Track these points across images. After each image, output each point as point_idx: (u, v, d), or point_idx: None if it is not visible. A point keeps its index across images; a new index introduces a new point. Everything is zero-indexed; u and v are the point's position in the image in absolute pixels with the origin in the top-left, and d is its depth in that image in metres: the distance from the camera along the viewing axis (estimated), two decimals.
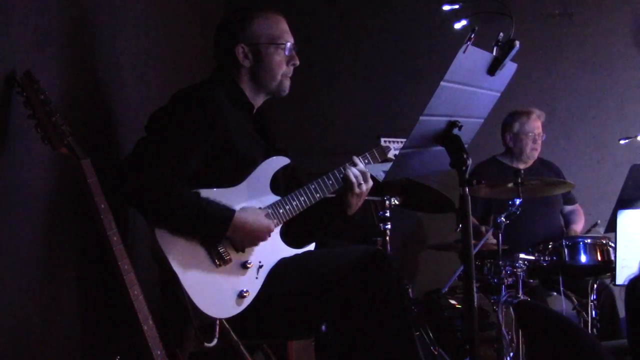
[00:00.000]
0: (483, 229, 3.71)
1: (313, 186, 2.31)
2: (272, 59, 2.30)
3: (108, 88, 2.37)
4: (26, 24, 1.79)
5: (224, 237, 2.11)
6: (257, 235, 2.17)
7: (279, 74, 2.32)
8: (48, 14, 1.92)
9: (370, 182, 2.35)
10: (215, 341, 2.09)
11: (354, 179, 2.31)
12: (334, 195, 2.38)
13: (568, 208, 4.16)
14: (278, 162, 2.32)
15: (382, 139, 2.47)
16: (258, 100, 2.38)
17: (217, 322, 2.12)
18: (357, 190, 2.32)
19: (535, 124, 3.98)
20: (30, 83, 1.67)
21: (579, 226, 4.07)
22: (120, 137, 2.44)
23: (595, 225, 3.80)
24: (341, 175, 2.33)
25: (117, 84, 2.44)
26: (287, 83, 2.35)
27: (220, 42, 2.35)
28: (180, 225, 2.05)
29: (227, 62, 2.33)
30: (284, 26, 2.35)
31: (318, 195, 2.31)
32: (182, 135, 2.10)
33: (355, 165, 2.34)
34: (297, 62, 2.35)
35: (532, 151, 4.00)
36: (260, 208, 2.23)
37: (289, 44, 2.33)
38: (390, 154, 2.45)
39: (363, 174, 2.32)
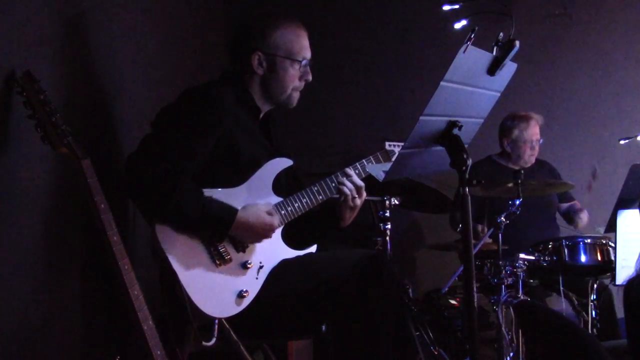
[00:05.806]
0: (479, 227, 3.69)
1: (315, 188, 2.31)
2: (285, 73, 2.30)
3: (108, 88, 2.37)
4: (26, 24, 1.79)
5: (226, 237, 2.12)
6: (260, 233, 2.17)
7: (290, 88, 2.33)
8: (48, 14, 1.92)
9: (364, 196, 2.34)
10: (213, 340, 2.09)
11: (348, 192, 2.31)
12: (333, 200, 2.37)
13: (566, 205, 4.15)
14: (281, 163, 2.32)
15: (387, 143, 2.47)
16: (265, 107, 2.38)
17: (216, 321, 2.12)
18: (350, 203, 2.32)
19: (534, 130, 3.95)
20: (30, 83, 1.67)
21: (585, 214, 4.04)
22: (120, 137, 2.44)
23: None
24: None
25: (117, 84, 2.44)
26: (296, 96, 2.36)
27: (238, 45, 2.34)
28: (184, 222, 2.06)
29: (240, 65, 2.33)
30: (305, 42, 2.33)
31: (320, 197, 2.31)
32: (188, 133, 2.11)
33: (348, 176, 2.32)
34: (310, 79, 2.35)
35: (530, 157, 3.99)
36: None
37: (305, 61, 2.32)
38: (394, 159, 2.44)
39: (358, 188, 2.32)
